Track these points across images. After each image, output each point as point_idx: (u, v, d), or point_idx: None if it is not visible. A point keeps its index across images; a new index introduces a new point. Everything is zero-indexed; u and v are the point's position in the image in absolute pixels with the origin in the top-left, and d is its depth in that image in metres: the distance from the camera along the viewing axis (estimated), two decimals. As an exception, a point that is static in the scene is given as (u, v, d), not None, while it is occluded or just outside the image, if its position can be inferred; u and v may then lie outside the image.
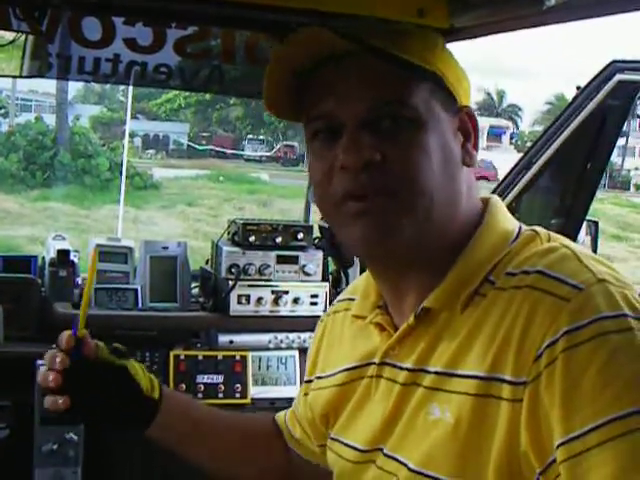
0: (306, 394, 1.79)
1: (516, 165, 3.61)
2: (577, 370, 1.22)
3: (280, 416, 1.96)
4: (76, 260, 3.75)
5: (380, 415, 1.50)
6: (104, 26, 3.15)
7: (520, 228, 1.49)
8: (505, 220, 1.50)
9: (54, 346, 3.35)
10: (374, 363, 1.54)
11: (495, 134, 53.01)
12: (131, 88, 20.02)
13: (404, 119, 1.38)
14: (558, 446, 1.22)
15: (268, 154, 38.75)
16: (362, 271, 2.90)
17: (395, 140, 1.38)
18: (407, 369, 1.46)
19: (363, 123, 1.38)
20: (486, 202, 1.52)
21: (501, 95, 58.79)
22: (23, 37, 3.10)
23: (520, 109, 58.14)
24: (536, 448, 1.25)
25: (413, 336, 1.47)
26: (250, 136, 40.28)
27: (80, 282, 3.71)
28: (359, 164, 1.36)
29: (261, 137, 40.43)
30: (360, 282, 1.70)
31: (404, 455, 1.43)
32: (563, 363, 1.23)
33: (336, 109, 1.40)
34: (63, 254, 3.64)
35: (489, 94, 58.35)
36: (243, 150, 39.26)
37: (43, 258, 3.81)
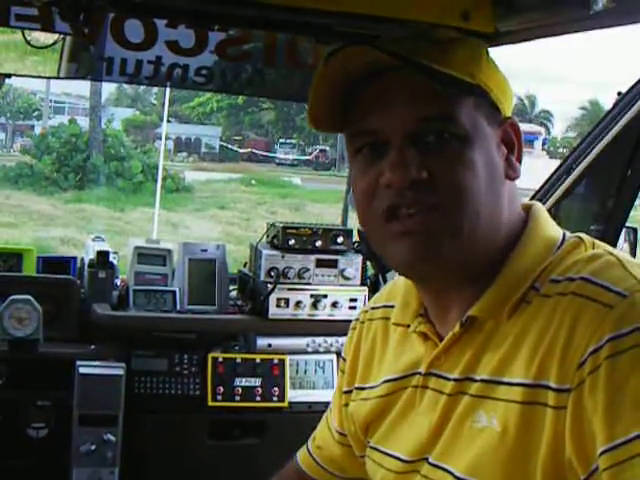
0: (346, 404, 1.78)
1: (555, 171, 3.59)
2: (621, 377, 1.22)
3: (302, 455, 1.94)
4: (115, 262, 3.77)
5: (426, 426, 1.48)
6: (146, 28, 3.16)
7: (564, 235, 1.48)
8: (548, 227, 1.50)
9: (92, 347, 3.40)
10: (419, 373, 1.53)
11: (527, 140, 52.92)
12: (168, 91, 20.07)
13: (450, 135, 1.38)
14: (601, 454, 1.21)
15: (300, 158, 38.71)
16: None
17: (441, 156, 1.37)
18: (454, 379, 1.45)
19: (409, 139, 1.38)
20: (528, 209, 1.52)
21: (532, 101, 58.49)
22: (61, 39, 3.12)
23: (551, 115, 57.82)
24: (580, 455, 1.25)
25: (459, 345, 1.46)
26: (282, 140, 40.23)
27: (119, 284, 3.73)
28: (405, 182, 1.36)
29: (293, 141, 40.36)
30: (396, 288, 1.69)
31: (450, 464, 1.42)
32: (607, 370, 1.23)
33: (382, 125, 1.40)
34: (102, 255, 3.67)
35: (521, 100, 58.09)
36: (275, 154, 39.23)
37: (82, 259, 3.83)
